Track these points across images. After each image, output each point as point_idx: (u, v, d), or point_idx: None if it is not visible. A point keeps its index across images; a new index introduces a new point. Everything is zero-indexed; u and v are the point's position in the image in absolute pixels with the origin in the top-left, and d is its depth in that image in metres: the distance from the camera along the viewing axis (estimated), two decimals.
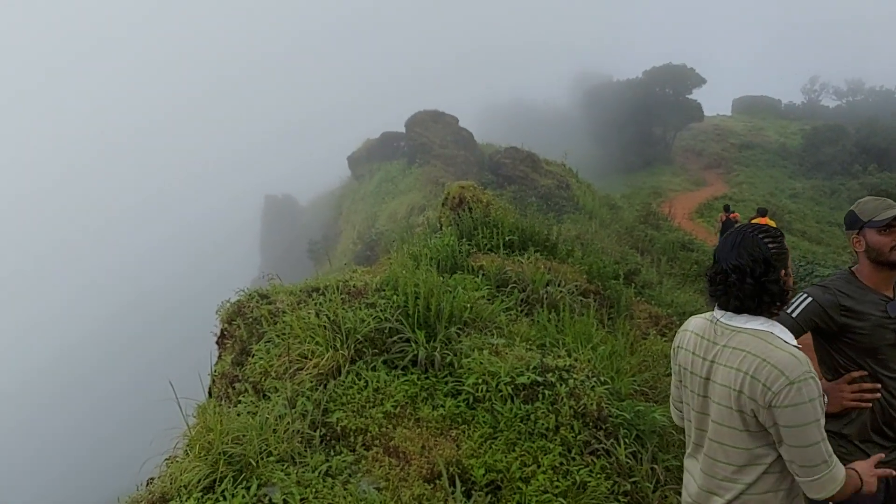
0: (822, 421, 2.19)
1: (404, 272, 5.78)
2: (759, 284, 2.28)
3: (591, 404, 4.23)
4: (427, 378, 4.68)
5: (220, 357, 5.28)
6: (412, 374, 4.69)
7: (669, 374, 5.74)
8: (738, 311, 2.35)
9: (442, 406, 4.42)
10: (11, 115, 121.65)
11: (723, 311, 2.40)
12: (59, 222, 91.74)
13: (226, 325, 5.40)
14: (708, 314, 2.52)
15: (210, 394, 4.92)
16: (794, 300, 3.15)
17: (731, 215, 21.85)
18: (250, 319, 5.26)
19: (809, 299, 3.08)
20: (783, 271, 2.32)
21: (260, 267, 50.65)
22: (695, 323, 2.56)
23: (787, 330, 2.34)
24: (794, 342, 2.27)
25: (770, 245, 2.32)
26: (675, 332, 7.09)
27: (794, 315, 3.06)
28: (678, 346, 2.61)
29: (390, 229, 16.66)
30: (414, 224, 15.25)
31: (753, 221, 18.20)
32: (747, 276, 2.28)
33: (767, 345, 2.23)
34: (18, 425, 55.27)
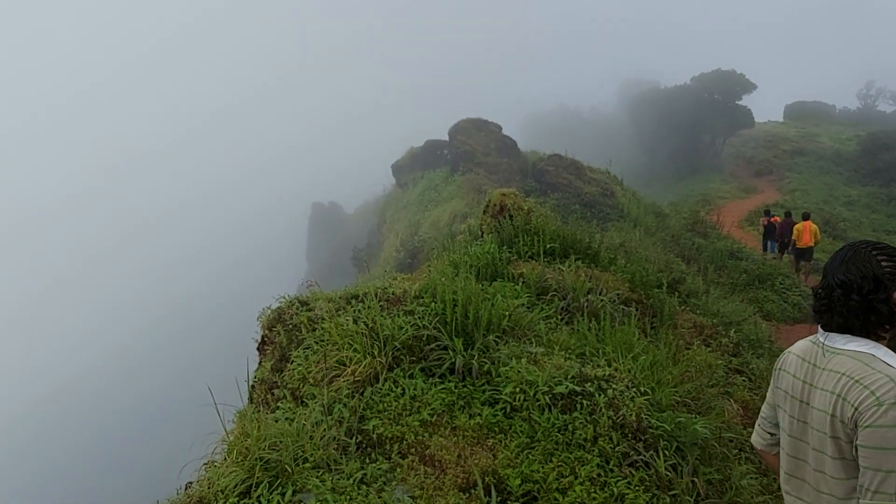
0: None
1: (443, 280, 5.77)
2: (865, 302, 2.17)
3: (631, 415, 4.15)
4: (464, 386, 4.65)
5: (260, 363, 5.34)
6: (449, 382, 4.67)
7: (713, 386, 5.66)
8: (842, 329, 2.24)
9: (479, 415, 4.39)
10: (60, 118, 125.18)
11: (826, 333, 2.30)
12: (106, 227, 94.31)
13: (266, 332, 5.46)
14: (813, 336, 2.41)
15: (250, 399, 4.98)
16: None
17: (773, 219, 22.32)
18: (290, 326, 5.31)
19: None
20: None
21: (306, 273, 51.31)
22: (799, 345, 2.46)
23: (893, 354, 2.20)
24: None
25: (884, 263, 2.19)
26: (721, 341, 6.90)
27: None
28: (779, 368, 2.51)
29: (432, 237, 16.69)
30: (456, 232, 15.25)
31: (796, 227, 18.36)
32: (853, 292, 2.18)
33: (865, 367, 2.12)
34: (62, 424, 56.91)
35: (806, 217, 18.95)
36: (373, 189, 43.04)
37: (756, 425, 2.73)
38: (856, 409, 2.07)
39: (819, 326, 2.36)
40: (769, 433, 2.61)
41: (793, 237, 18.66)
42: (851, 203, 38.41)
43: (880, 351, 2.17)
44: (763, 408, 2.67)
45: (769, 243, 21.98)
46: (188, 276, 79.10)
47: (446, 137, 27.01)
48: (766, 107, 63.27)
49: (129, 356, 66.06)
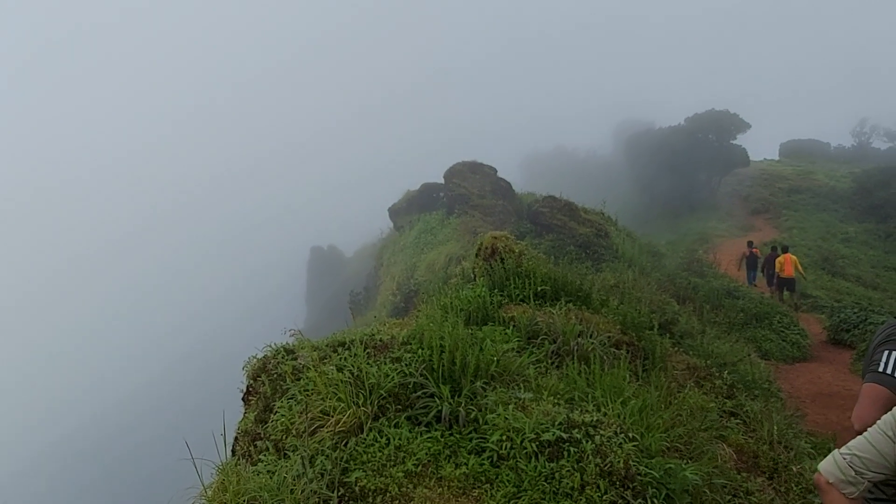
0: None
1: (431, 325, 5.72)
2: None
3: (619, 462, 4.07)
4: (451, 435, 4.57)
5: (244, 414, 5.25)
6: (436, 430, 4.58)
7: (705, 429, 5.55)
8: None
9: (465, 464, 4.30)
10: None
11: None
12: (110, 285, 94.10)
13: (251, 382, 5.39)
14: None
15: (233, 452, 4.89)
16: (879, 358, 2.98)
17: (753, 251, 23.61)
18: (275, 375, 5.24)
19: None
20: None
21: (306, 319, 51.17)
22: None
23: None
24: None
25: None
26: (714, 383, 6.80)
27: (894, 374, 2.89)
28: None
29: (428, 280, 16.65)
30: (451, 274, 15.22)
31: (778, 259, 19.67)
32: None
33: None
34: (50, 483, 56.11)
35: (785, 250, 20.49)
36: (371, 232, 43.22)
37: (838, 456, 2.46)
38: None
39: None
40: (859, 474, 2.37)
41: (776, 269, 19.87)
42: (849, 240, 38.45)
43: None
44: (861, 446, 2.42)
45: (751, 273, 23.03)
46: (199, 327, 78.68)
47: (442, 181, 27.21)
48: (761, 145, 63.95)
49: (125, 414, 65.43)
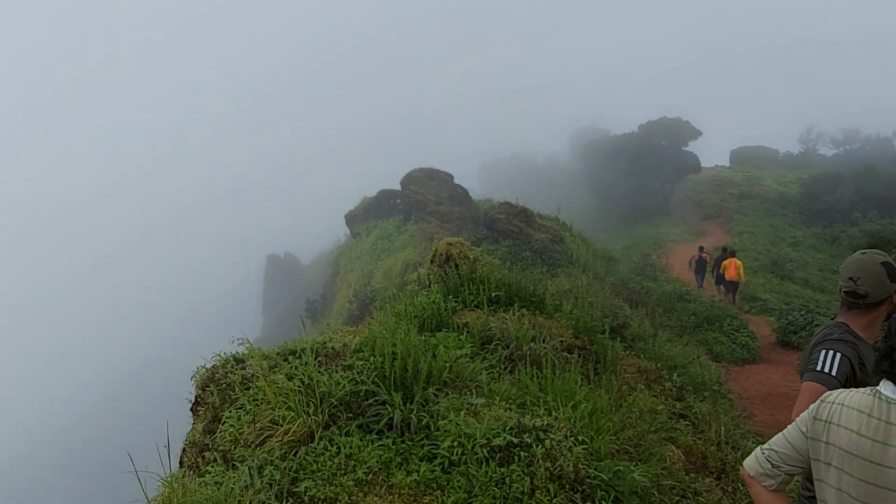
0: None
1: (383, 332, 5.70)
2: None
3: (568, 465, 4.10)
4: (402, 442, 4.55)
5: (192, 425, 5.16)
6: (387, 438, 4.56)
7: (654, 431, 5.62)
8: None
9: (416, 471, 4.29)
10: None
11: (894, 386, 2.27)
12: (74, 309, 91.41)
13: (200, 392, 5.30)
14: (869, 389, 2.34)
15: (181, 464, 4.79)
16: (817, 358, 3.10)
17: (703, 255, 24.50)
18: (223, 385, 5.16)
19: (840, 355, 3.04)
20: None
21: (262, 327, 50.55)
22: (854, 398, 2.34)
23: None
24: None
25: None
26: (664, 385, 6.87)
27: (835, 374, 3.00)
28: (827, 421, 2.37)
29: (384, 287, 16.60)
30: (408, 281, 15.20)
31: (724, 262, 20.80)
32: None
33: None
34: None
35: (733, 254, 21.60)
36: (328, 239, 42.89)
37: (758, 451, 2.61)
38: None
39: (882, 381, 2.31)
40: (775, 467, 2.51)
41: (720, 271, 21.16)
42: (797, 244, 39.42)
43: None
44: (778, 441, 2.56)
45: (699, 277, 23.98)
46: (160, 340, 76.79)
47: (399, 187, 27.17)
48: (712, 152, 65.27)
49: (80, 430, 63.65)
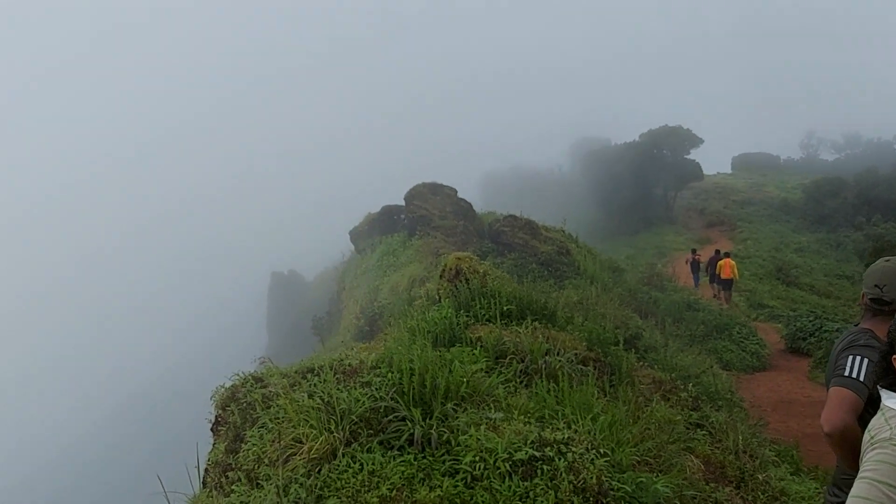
0: None
1: (399, 348, 5.74)
2: None
3: (591, 478, 4.11)
4: (424, 458, 4.57)
5: (214, 445, 5.19)
6: (409, 454, 4.58)
7: (673, 442, 5.64)
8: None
9: (439, 487, 4.30)
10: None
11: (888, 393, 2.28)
12: (71, 316, 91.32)
13: (220, 412, 5.33)
14: None
15: (203, 484, 4.82)
16: (844, 363, 3.10)
17: (696, 256, 26.56)
18: (244, 404, 5.19)
19: (867, 360, 3.03)
20: None
21: (267, 346, 50.53)
22: None
23: None
24: None
25: None
26: (680, 395, 6.87)
27: (862, 379, 2.99)
28: None
29: (391, 303, 16.61)
30: (415, 296, 15.21)
31: (719, 262, 22.42)
32: None
33: None
34: None
35: (726, 255, 23.22)
36: (332, 256, 42.90)
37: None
38: None
39: None
40: None
41: (716, 271, 22.58)
42: (801, 249, 39.44)
43: None
44: (868, 490, 2.05)
45: (695, 276, 25.82)
46: (158, 361, 76.70)
47: (402, 202, 27.21)
48: (714, 159, 65.40)
49: (90, 448, 63.47)
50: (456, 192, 25.59)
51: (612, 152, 60.05)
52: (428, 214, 24.10)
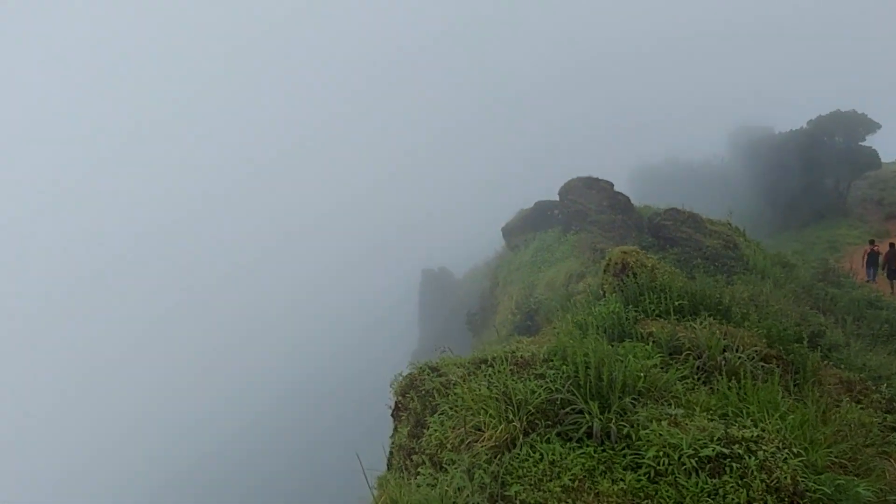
0: None
1: (571, 342, 5.73)
2: None
3: (786, 477, 3.94)
4: (604, 451, 4.56)
5: (395, 429, 5.42)
6: (588, 446, 4.59)
7: (868, 445, 5.26)
8: None
9: (622, 480, 4.28)
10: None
11: None
12: (230, 316, 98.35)
13: (399, 398, 5.56)
14: None
15: (389, 465, 5.05)
16: None
17: (875, 248, 24.28)
18: (423, 392, 5.39)
19: None
20: None
21: (419, 340, 51.87)
22: None
23: None
24: None
25: None
26: (872, 397, 6.42)
27: None
28: None
29: (549, 298, 16.55)
30: (573, 292, 15.08)
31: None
32: None
33: None
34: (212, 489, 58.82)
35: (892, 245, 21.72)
36: (482, 253, 43.30)
37: None
38: None
39: None
40: None
41: (894, 266, 21.15)
42: None
43: None
44: None
45: (871, 270, 23.31)
46: (318, 352, 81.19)
47: (556, 198, 27.02)
48: (894, 145, 59.89)
49: (259, 431, 68.16)
50: (612, 185, 25.08)
51: (776, 141, 56.37)
52: (583, 209, 23.80)
